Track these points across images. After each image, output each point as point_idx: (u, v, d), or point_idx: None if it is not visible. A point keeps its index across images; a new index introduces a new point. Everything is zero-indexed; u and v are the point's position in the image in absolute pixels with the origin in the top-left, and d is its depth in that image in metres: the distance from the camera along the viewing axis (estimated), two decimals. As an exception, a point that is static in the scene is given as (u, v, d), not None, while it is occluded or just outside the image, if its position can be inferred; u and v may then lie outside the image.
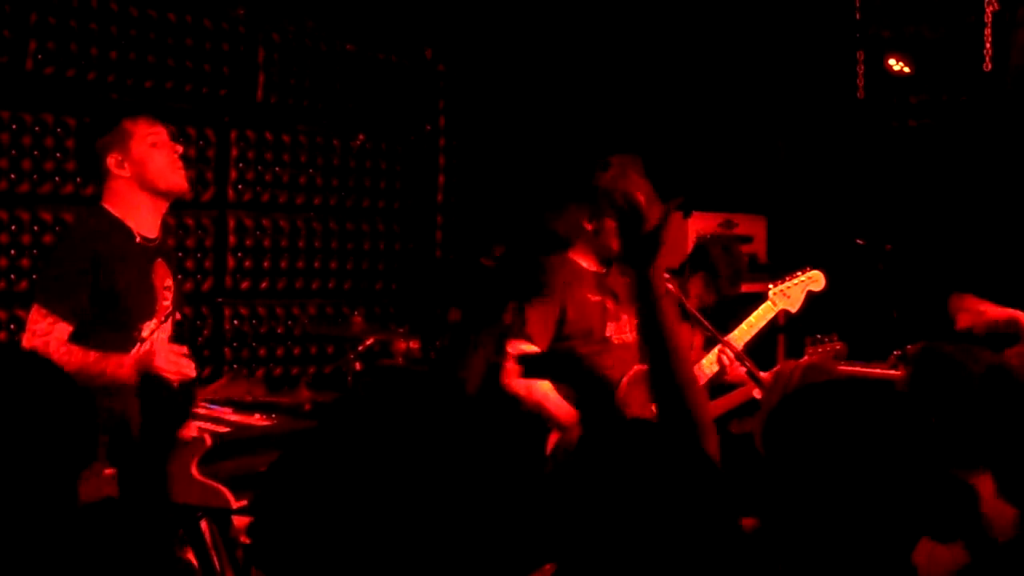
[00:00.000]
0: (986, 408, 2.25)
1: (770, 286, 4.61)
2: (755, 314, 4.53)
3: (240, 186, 5.97)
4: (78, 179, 5.19)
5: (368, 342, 5.27)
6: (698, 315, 4.27)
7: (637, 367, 4.27)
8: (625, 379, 4.13)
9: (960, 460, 2.17)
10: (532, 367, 4.00)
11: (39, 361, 2.02)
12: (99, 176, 3.59)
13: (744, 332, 4.48)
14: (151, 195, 3.58)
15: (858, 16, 6.21)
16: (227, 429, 3.73)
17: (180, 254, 5.62)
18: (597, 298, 4.22)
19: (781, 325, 5.66)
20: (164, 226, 3.69)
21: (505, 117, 6.83)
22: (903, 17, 6.10)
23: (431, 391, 1.83)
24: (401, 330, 5.66)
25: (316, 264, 6.31)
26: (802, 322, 4.95)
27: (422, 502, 1.63)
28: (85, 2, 5.27)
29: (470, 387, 4.33)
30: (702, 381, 4.29)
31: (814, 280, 4.64)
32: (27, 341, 3.39)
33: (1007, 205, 5.98)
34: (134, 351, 3.44)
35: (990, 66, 5.82)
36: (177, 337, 3.68)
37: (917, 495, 1.79)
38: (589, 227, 4.21)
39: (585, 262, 4.25)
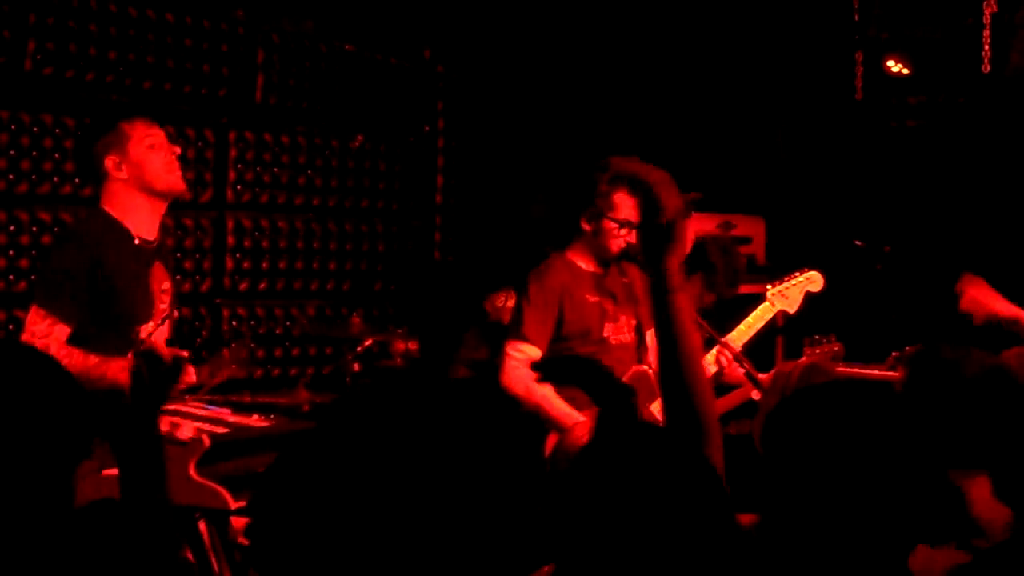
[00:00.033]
0: (983, 410, 2.25)
1: (768, 287, 4.61)
2: (753, 315, 4.53)
3: (239, 187, 5.97)
4: (76, 180, 5.18)
5: (367, 343, 5.26)
6: (696, 316, 4.27)
7: (635, 368, 4.27)
8: (624, 380, 4.14)
9: (957, 461, 2.17)
10: (549, 372, 4.01)
11: (33, 353, 2.02)
12: (98, 178, 3.59)
13: (742, 333, 4.48)
14: (149, 197, 3.58)
15: (856, 17, 6.22)
16: (225, 430, 3.72)
17: (179, 255, 5.62)
18: (595, 299, 4.22)
19: (779, 326, 5.66)
20: (163, 227, 3.69)
21: (504, 118, 6.83)
22: (902, 19, 6.10)
23: (427, 391, 1.83)
24: (400, 331, 5.66)
25: (315, 265, 6.30)
26: (800, 323, 4.95)
27: (420, 503, 1.64)
28: (84, 3, 5.26)
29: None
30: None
31: (812, 281, 4.64)
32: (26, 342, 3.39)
33: (1005, 206, 5.99)
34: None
35: (988, 68, 5.83)
36: (175, 338, 3.69)
37: (913, 497, 1.79)
38: (587, 228, 4.22)
39: (583, 263, 4.25)
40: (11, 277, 5.11)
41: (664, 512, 1.67)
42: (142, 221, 3.59)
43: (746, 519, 2.04)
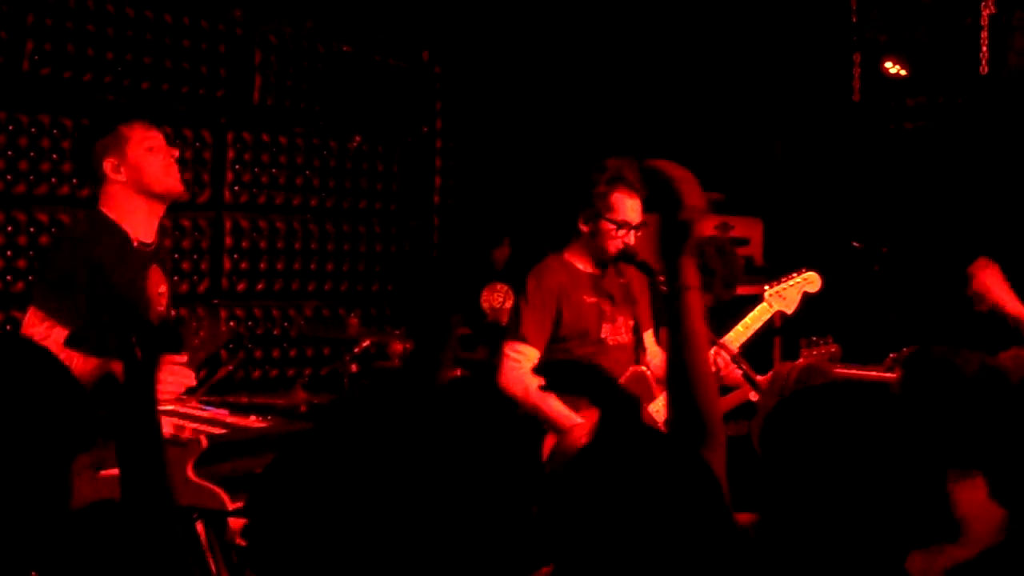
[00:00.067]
0: (979, 410, 2.26)
1: (766, 288, 4.61)
2: (751, 316, 4.53)
3: (236, 188, 5.97)
4: (74, 180, 5.18)
5: (364, 344, 5.27)
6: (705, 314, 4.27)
7: (633, 368, 4.28)
8: (621, 381, 4.13)
9: (953, 462, 2.17)
10: (554, 381, 4.00)
11: (29, 345, 2.03)
12: (96, 180, 3.59)
13: (740, 334, 4.48)
14: (147, 199, 3.58)
15: (855, 19, 6.22)
16: (223, 431, 3.72)
17: (176, 256, 5.62)
18: (593, 300, 4.22)
19: (777, 327, 5.67)
20: (161, 230, 3.69)
21: (502, 119, 6.83)
22: (900, 20, 6.11)
23: (425, 392, 1.83)
24: (397, 332, 5.66)
25: (312, 266, 6.31)
26: (798, 324, 4.95)
27: (418, 504, 1.64)
28: (82, 3, 5.27)
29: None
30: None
31: (810, 282, 4.64)
32: (24, 343, 3.39)
33: (1003, 207, 5.99)
34: None
35: (986, 69, 5.83)
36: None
37: (911, 497, 1.79)
38: (585, 229, 4.22)
39: (581, 264, 4.25)
40: (9, 278, 5.12)
41: (662, 513, 1.67)
42: (140, 223, 3.58)
43: (744, 519, 2.04)
